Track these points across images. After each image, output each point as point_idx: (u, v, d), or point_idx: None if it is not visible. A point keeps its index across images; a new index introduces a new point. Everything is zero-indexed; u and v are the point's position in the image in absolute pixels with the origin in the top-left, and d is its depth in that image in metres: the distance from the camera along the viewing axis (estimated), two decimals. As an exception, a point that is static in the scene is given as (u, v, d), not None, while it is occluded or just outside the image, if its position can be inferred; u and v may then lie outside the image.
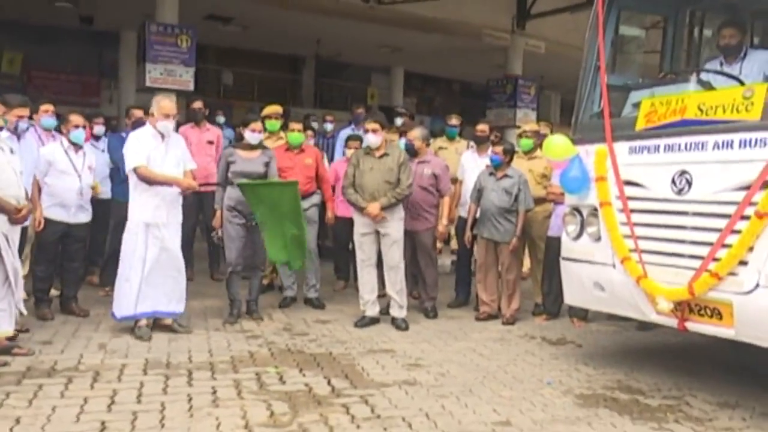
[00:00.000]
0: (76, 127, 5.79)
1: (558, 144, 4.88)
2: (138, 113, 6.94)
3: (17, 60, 15.75)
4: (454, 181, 7.50)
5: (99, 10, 13.38)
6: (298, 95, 19.01)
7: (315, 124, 9.66)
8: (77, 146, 5.84)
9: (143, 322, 5.31)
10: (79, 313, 5.83)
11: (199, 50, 11.63)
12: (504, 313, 6.38)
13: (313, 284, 6.70)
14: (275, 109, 7.29)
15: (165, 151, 5.36)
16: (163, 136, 5.36)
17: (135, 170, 5.25)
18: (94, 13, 13.91)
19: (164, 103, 5.40)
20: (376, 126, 5.92)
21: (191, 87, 11.36)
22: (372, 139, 5.93)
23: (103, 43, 15.67)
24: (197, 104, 7.82)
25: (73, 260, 5.94)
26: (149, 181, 5.25)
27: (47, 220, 5.65)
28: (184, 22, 11.42)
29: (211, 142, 7.57)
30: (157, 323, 5.44)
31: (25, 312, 4.92)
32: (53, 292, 6.37)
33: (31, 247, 6.10)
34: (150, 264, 5.26)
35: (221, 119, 11.26)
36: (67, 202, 5.74)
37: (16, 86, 14.18)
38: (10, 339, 4.71)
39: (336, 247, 7.86)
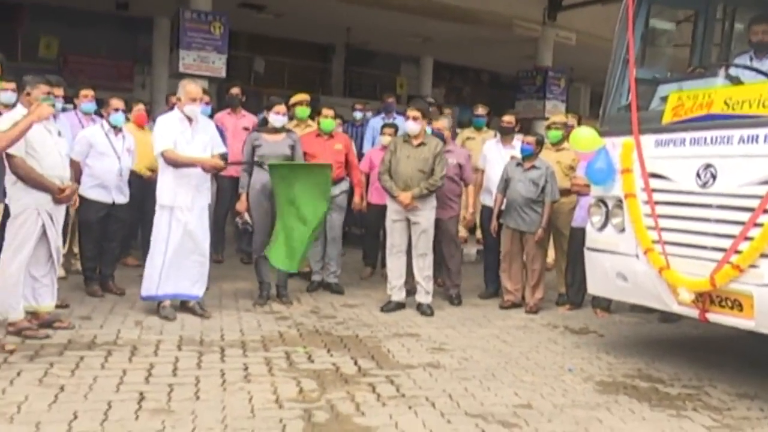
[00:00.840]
0: (116, 110, 5.98)
1: (585, 136, 4.96)
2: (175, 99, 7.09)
3: (54, 44, 16.11)
4: (476, 170, 7.59)
5: (135, -5, 13.65)
6: (327, 83, 19.15)
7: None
8: (117, 129, 6.03)
9: (167, 302, 5.44)
10: (115, 291, 6.04)
11: (231, 37, 11.76)
12: (528, 302, 6.47)
13: (334, 270, 6.85)
14: (304, 96, 7.43)
15: (192, 135, 5.45)
16: (190, 120, 5.45)
17: (162, 154, 5.35)
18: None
19: (190, 87, 5.49)
20: (417, 114, 6.03)
21: (223, 74, 11.52)
22: (412, 127, 6.03)
23: (138, 29, 15.94)
24: (234, 90, 7.91)
25: (111, 240, 6.13)
26: (175, 163, 5.35)
27: (89, 201, 5.88)
28: (218, 9, 11.58)
29: (246, 129, 7.51)
30: (183, 304, 5.57)
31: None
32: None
33: (72, 227, 6.32)
34: (173, 246, 5.36)
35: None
36: (107, 183, 5.94)
37: (52, 70, 14.50)
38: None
39: (366, 233, 7.96)
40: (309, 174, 5.90)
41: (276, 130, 6.11)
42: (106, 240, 6.13)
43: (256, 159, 6.01)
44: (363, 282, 7.40)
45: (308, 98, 7.46)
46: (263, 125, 6.28)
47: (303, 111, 7.27)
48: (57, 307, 5.06)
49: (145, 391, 3.74)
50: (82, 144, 5.87)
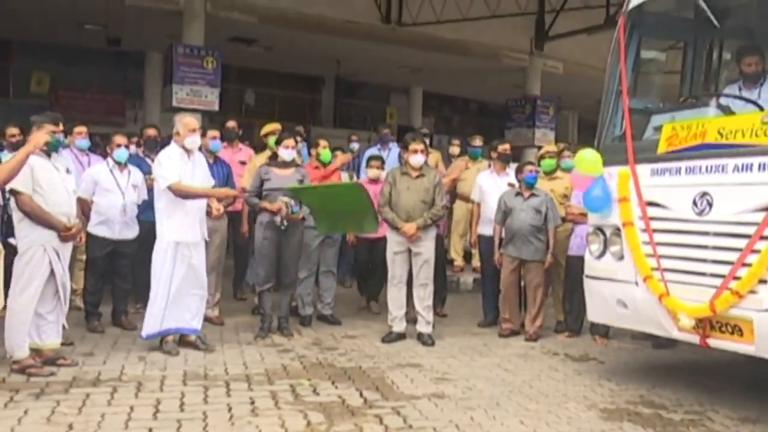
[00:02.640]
0: (119, 146, 6.04)
1: (590, 159, 4.99)
2: (151, 132, 7.06)
3: (45, 80, 16.15)
4: (469, 201, 7.71)
5: (126, 32, 13.72)
6: (317, 114, 19.28)
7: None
8: (122, 165, 6.09)
9: (170, 337, 5.44)
10: (127, 327, 6.05)
11: (222, 70, 11.89)
12: (528, 330, 6.52)
13: (329, 302, 6.89)
14: (276, 126, 7.44)
15: (192, 168, 5.49)
16: (189, 154, 5.49)
17: (170, 187, 5.30)
18: (122, 35, 14.26)
19: (187, 120, 5.52)
20: (422, 146, 6.14)
21: (216, 107, 11.63)
22: (418, 160, 6.12)
23: (129, 64, 16.03)
24: (230, 123, 7.90)
25: (120, 276, 6.14)
26: (187, 195, 5.33)
27: (95, 237, 5.93)
28: (209, 43, 11.71)
29: (243, 162, 7.54)
30: (182, 339, 5.57)
31: (67, 326, 5.12)
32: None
33: (71, 263, 6.32)
34: (177, 282, 5.37)
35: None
36: (112, 218, 5.98)
37: (43, 105, 14.57)
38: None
39: (358, 268, 7.95)
40: (338, 192, 5.97)
41: (285, 164, 6.15)
42: (116, 276, 6.14)
43: (264, 193, 6.00)
44: (362, 312, 7.42)
45: (280, 128, 7.48)
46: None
47: (273, 141, 7.31)
48: (61, 344, 5.06)
49: (154, 428, 3.76)
50: (87, 182, 5.95)
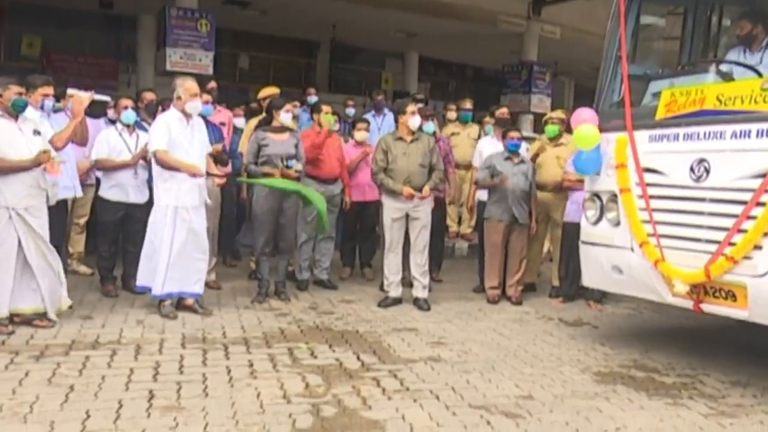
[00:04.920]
0: (126, 108, 6.01)
1: (588, 134, 4.99)
2: (149, 96, 6.95)
3: (36, 43, 15.94)
4: (469, 167, 7.69)
5: (119, -7, 13.57)
6: (312, 80, 19.10)
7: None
8: (130, 127, 6.07)
9: (168, 301, 5.46)
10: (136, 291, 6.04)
11: (217, 34, 11.77)
12: (511, 294, 6.59)
13: (326, 267, 6.93)
14: (274, 90, 7.47)
15: (191, 134, 5.48)
16: (188, 119, 5.46)
17: (155, 153, 5.34)
18: (114, -3, 14.09)
19: (189, 84, 5.49)
20: (416, 108, 6.16)
21: (210, 71, 11.51)
22: (416, 122, 6.12)
23: (122, 27, 15.85)
24: (211, 84, 7.88)
25: (131, 241, 6.05)
26: (165, 165, 5.36)
27: (107, 201, 5.96)
28: (204, 6, 11.57)
29: (223, 124, 7.38)
30: (180, 303, 5.59)
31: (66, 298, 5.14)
32: (84, 269, 6.67)
33: (68, 227, 6.35)
34: (178, 247, 5.37)
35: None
36: (123, 182, 5.97)
37: (34, 69, 14.40)
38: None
39: (344, 233, 7.74)
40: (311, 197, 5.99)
41: (281, 129, 6.14)
42: (126, 241, 6.13)
43: (261, 158, 6.02)
44: (356, 278, 7.44)
45: (278, 91, 7.46)
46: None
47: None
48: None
49: (154, 389, 3.79)
50: (102, 144, 5.97)
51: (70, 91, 5.56)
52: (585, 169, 5.11)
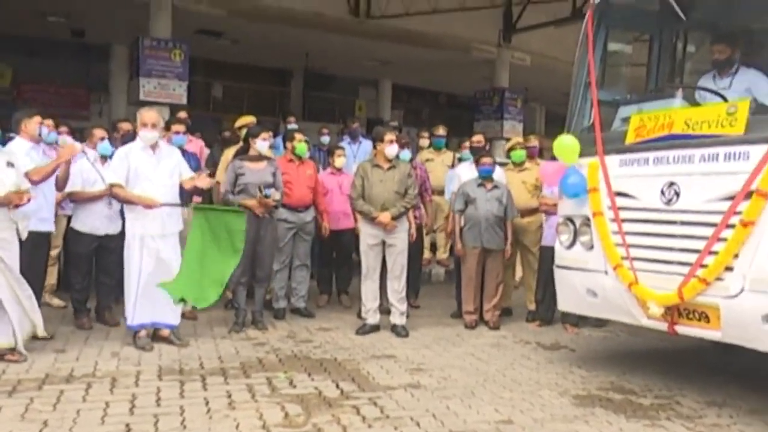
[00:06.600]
0: (102, 139, 6.02)
1: (568, 144, 5.03)
2: (126, 126, 6.99)
3: (7, 73, 15.81)
4: (443, 193, 7.74)
5: (90, 24, 13.51)
6: (286, 108, 19.16)
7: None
8: (104, 158, 6.05)
9: (143, 332, 5.41)
10: (111, 322, 5.99)
11: (190, 63, 11.77)
12: (489, 319, 6.60)
13: (302, 295, 6.91)
14: (250, 119, 7.54)
15: (156, 162, 5.48)
16: (153, 148, 5.48)
17: (111, 186, 5.47)
18: (86, 27, 14.03)
19: (144, 113, 5.52)
20: (394, 137, 6.21)
21: (184, 100, 11.50)
22: (394, 151, 6.18)
23: (93, 57, 15.75)
24: (182, 114, 7.91)
25: (105, 272, 6.03)
26: (119, 199, 5.53)
27: (80, 233, 5.91)
28: (176, 36, 11.58)
29: (194, 154, 7.30)
30: (156, 334, 5.53)
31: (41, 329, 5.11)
32: (57, 302, 6.58)
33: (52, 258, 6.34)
34: (146, 276, 5.34)
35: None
36: (97, 213, 5.93)
37: (5, 100, 14.31)
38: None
39: (320, 261, 7.74)
40: (226, 218, 5.44)
41: (259, 158, 6.15)
42: (100, 272, 6.07)
43: (238, 187, 6.01)
44: (334, 305, 7.42)
45: (255, 120, 7.51)
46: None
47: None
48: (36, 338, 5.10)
49: (131, 423, 3.74)
50: (75, 176, 5.88)
51: (64, 138, 5.61)
52: (571, 192, 5.11)
